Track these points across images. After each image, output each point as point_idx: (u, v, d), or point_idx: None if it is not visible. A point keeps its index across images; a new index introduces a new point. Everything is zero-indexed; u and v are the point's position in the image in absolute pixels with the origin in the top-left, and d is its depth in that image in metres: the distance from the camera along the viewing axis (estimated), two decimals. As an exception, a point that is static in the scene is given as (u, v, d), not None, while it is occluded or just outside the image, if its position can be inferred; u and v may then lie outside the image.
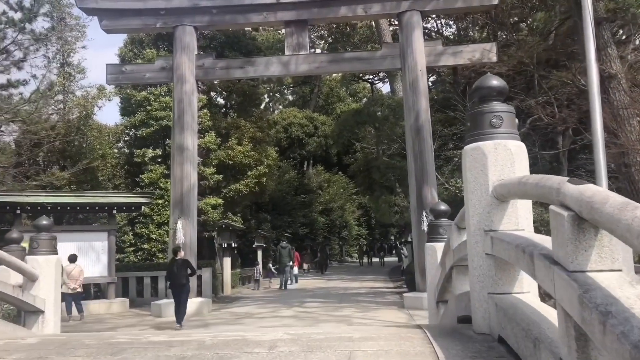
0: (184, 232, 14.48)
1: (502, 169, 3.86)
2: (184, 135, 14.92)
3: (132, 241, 20.09)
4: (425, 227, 13.70)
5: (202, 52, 16.28)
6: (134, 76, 15.74)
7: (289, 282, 23.14)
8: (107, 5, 15.21)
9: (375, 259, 49.84)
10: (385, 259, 47.37)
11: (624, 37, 15.65)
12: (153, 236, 19.74)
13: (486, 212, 3.87)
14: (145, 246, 19.75)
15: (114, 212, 16.26)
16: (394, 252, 55.31)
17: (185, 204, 14.76)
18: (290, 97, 60.16)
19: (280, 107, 58.16)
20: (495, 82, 4.07)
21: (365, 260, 49.62)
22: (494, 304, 3.70)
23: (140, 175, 20.31)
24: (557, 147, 22.87)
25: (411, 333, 4.27)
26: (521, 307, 3.28)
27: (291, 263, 23.82)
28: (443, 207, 7.20)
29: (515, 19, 26.21)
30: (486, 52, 14.44)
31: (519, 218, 3.83)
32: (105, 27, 15.50)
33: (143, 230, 19.87)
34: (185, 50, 15.23)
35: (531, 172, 3.84)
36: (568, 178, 2.56)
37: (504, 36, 21.18)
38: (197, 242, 23.00)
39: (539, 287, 4.08)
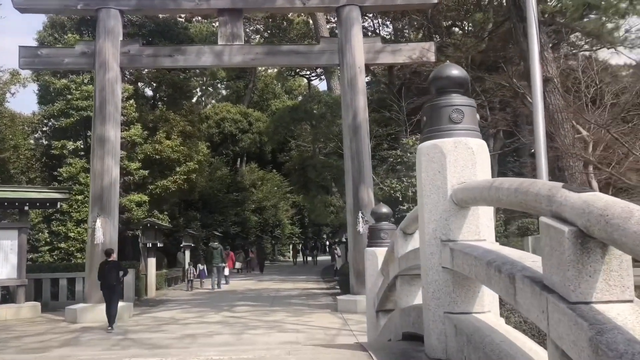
0: (103, 231, 13.38)
1: (462, 170, 3.37)
2: (106, 126, 13.81)
3: (48, 240, 18.57)
4: (361, 228, 13.33)
5: (128, 39, 15.16)
6: (51, 61, 14.44)
7: (222, 282, 22.60)
8: (21, -19, 13.85)
9: (309, 258, 49.69)
10: (318, 258, 47.28)
11: (555, 41, 15.89)
12: (71, 234, 18.33)
13: (444, 220, 3.37)
14: (63, 245, 18.30)
15: (26, 208, 14.83)
16: (327, 250, 55.32)
17: (106, 201, 13.67)
18: (223, 92, 58.76)
19: (213, 101, 56.70)
20: (455, 71, 3.58)
21: (299, 259, 49.53)
22: (452, 326, 3.21)
23: (59, 169, 18.80)
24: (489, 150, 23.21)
25: (355, 358, 3.72)
26: (488, 333, 2.79)
27: (222, 264, 23.13)
28: (385, 209, 6.73)
29: (450, 22, 26.53)
30: (425, 51, 14.23)
31: (480, 227, 3.36)
32: (18, 5, 14.10)
33: (60, 228, 18.41)
34: (109, 35, 14.11)
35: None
36: (562, 183, 2.07)
37: (439, 38, 21.23)
38: (120, 241, 21.67)
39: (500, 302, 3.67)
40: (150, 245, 19.68)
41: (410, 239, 5.01)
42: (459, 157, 3.38)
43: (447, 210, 3.37)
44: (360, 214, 13.41)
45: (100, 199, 13.64)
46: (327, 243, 54.68)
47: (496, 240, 3.55)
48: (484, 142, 3.51)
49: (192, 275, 22.49)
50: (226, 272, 24.06)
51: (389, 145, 25.79)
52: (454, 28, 27.38)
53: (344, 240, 21.34)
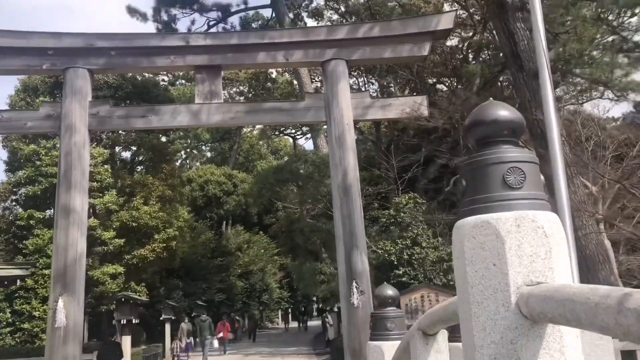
0: (66, 313, 11.83)
1: (531, 262, 2.15)
2: (71, 194, 12.51)
3: (10, 320, 16.85)
4: (355, 300, 11.97)
5: (98, 100, 14.10)
6: (11, 125, 13.27)
7: (218, 353, 22.74)
8: (-19, 41, 12.87)
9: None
10: (308, 323, 45.48)
11: (556, 90, 15.14)
12: (36, 313, 16.69)
13: (507, 343, 2.12)
14: (26, 326, 16.63)
15: (-19, 288, 13.31)
16: (315, 314, 53.39)
17: (70, 278, 12.18)
18: (208, 154, 58.03)
19: (198, 164, 55.86)
20: (505, 112, 2.41)
21: (292, 324, 47.90)
22: None
23: (24, 241, 17.32)
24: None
25: None
26: None
27: (210, 337, 22.02)
28: (390, 291, 5.47)
29: (435, 79, 26.06)
30: (417, 105, 13.31)
31: (565, 353, 2.11)
32: (-22, 66, 13.10)
33: (24, 306, 16.77)
34: (77, 96, 13.04)
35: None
36: None
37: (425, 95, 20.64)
38: (95, 317, 20.00)
39: None
40: (125, 322, 17.97)
41: (434, 342, 3.72)
42: (524, 242, 2.16)
43: (512, 328, 2.11)
44: (354, 284, 12.05)
45: (64, 276, 12.16)
46: (318, 306, 52.74)
47: None
48: (557, 217, 2.31)
49: (177, 349, 20.59)
50: (215, 344, 22.87)
51: (380, 205, 24.66)
52: (438, 85, 26.92)
53: (335, 309, 19.81)
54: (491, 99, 2.63)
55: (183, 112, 13.40)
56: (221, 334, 24.69)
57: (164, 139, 32.09)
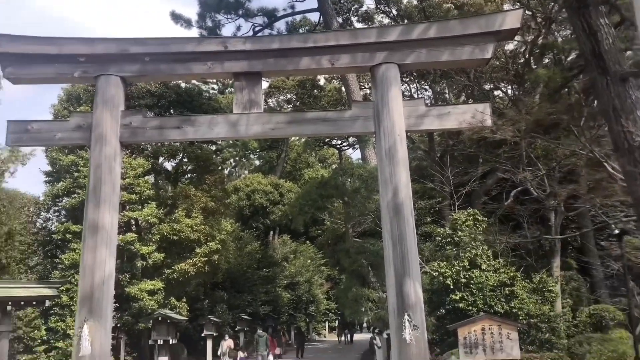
0: (91, 340, 10.93)
1: None
2: (100, 210, 11.64)
3: (45, 337, 16.25)
4: (407, 336, 10.56)
5: (131, 110, 13.22)
6: (41, 136, 12.54)
7: None
8: (11, 48, 12.21)
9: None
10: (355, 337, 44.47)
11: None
12: (71, 332, 15.99)
13: None
14: (60, 344, 15.94)
15: (9, 308, 12.60)
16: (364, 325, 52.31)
17: (97, 302, 11.26)
18: (256, 162, 57.59)
19: (246, 172, 55.46)
20: None
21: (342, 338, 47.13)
22: None
23: (61, 256, 16.72)
24: (549, 225, 20.30)
25: None
26: None
27: (265, 353, 22.70)
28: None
29: (492, 85, 24.26)
30: (479, 114, 11.81)
31: None
32: (10, 75, 12.45)
33: (59, 324, 16.13)
34: (108, 105, 12.20)
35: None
36: None
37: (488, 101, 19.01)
38: (134, 336, 19.23)
39: None
40: (162, 342, 17.10)
41: None
42: None
43: None
44: (406, 318, 10.61)
45: (90, 300, 11.25)
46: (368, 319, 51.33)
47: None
48: None
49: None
50: (270, 358, 23.53)
51: (432, 220, 23.05)
52: (496, 92, 25.12)
53: (385, 335, 18.33)
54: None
55: (221, 122, 12.34)
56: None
57: (213, 147, 31.53)
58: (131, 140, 13.13)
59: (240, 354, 22.64)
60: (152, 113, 18.67)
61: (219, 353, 20.28)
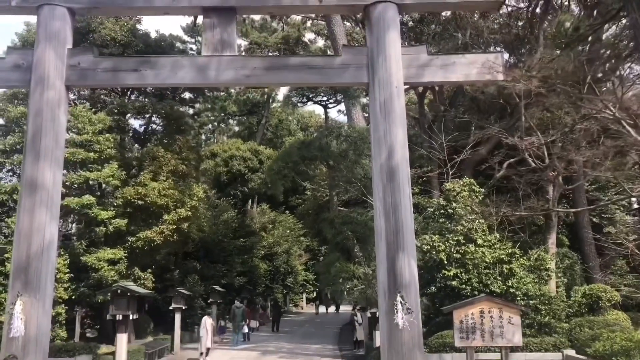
0: (24, 319, 9.19)
1: None
2: (39, 165, 9.78)
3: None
4: (400, 320, 8.99)
5: (79, 47, 11.17)
6: (-29, 78, 10.54)
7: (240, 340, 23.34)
8: None
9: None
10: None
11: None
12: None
13: None
14: (3, 319, 14.14)
15: None
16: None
17: (33, 273, 9.47)
18: (236, 128, 55.49)
19: (225, 138, 53.33)
20: None
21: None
22: None
23: (6, 219, 14.83)
24: (547, 197, 18.92)
25: None
26: None
27: (242, 323, 23.91)
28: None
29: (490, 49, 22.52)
30: (489, 63, 10.08)
31: None
32: None
33: (3, 295, 14.31)
34: (52, 41, 10.23)
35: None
36: None
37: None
38: (93, 309, 17.44)
39: None
40: (122, 317, 15.38)
41: None
42: None
43: None
44: (399, 299, 9.04)
45: (25, 271, 9.46)
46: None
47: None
48: None
49: (202, 347, 18.25)
50: (245, 329, 24.45)
51: (421, 190, 21.50)
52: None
53: (368, 314, 16.84)
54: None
55: (186, 66, 10.43)
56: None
57: (190, 111, 29.39)
58: (79, 84, 11.15)
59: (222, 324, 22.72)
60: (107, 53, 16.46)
61: (201, 334, 18.62)
